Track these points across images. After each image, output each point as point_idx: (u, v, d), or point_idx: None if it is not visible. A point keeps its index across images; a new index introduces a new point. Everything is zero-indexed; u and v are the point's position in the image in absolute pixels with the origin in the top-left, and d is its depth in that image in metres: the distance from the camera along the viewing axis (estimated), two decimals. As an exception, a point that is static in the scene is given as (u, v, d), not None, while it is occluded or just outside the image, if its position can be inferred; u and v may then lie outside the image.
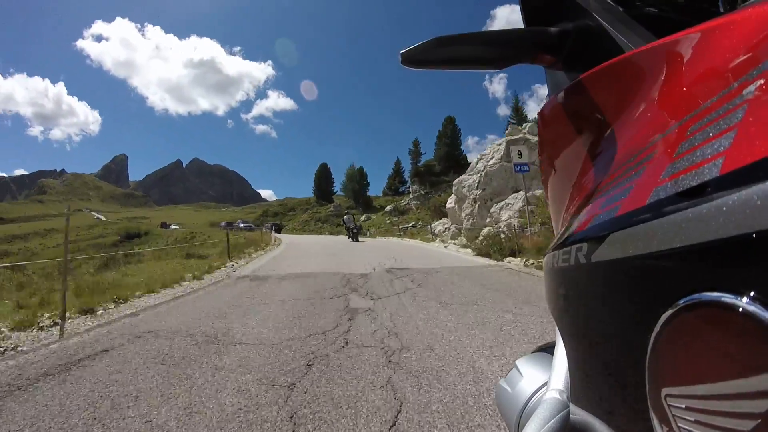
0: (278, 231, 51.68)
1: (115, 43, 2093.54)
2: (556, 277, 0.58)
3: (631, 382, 0.41)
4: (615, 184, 0.47)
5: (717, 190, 0.30)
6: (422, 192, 60.52)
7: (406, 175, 78.69)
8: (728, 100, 0.34)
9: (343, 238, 29.32)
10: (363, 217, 57.37)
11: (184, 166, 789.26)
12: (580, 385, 0.55)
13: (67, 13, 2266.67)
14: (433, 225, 26.49)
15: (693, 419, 0.31)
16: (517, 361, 0.79)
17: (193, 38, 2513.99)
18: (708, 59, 0.40)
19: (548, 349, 0.77)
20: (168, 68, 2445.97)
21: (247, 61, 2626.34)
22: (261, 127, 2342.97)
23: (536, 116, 0.78)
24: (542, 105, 0.76)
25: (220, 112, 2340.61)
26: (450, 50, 0.65)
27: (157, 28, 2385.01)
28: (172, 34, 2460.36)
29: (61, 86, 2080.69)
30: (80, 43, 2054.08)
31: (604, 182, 0.51)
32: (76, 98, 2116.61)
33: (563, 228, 0.60)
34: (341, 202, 76.98)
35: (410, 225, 37.07)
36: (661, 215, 0.35)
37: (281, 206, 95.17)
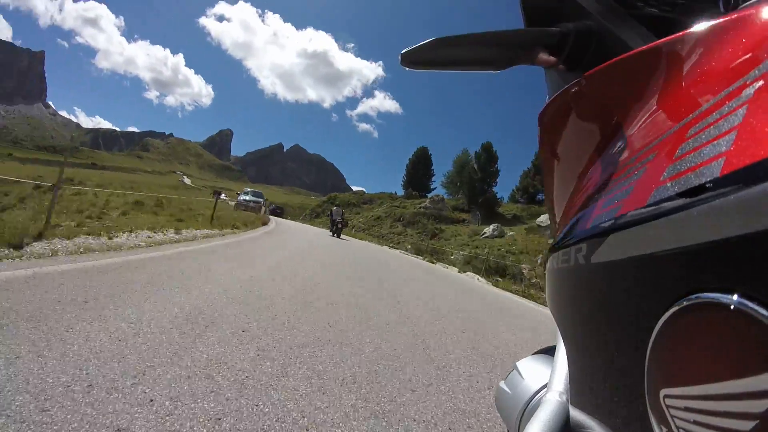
0: (278, 215, 41.63)
1: (236, 25, 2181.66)
2: (557, 278, 0.59)
3: (631, 383, 0.41)
4: (615, 185, 0.47)
5: (717, 190, 0.30)
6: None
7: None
8: (729, 100, 0.34)
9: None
10: (490, 230, 28.14)
11: (284, 150, 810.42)
12: (581, 387, 0.55)
13: None
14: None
15: (692, 420, 0.31)
16: (517, 363, 0.80)
17: (310, 30, 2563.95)
18: (708, 59, 0.41)
19: (549, 350, 0.79)
20: (282, 55, 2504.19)
21: (359, 58, 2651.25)
22: (363, 126, 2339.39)
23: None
24: (542, 106, 0.76)
25: (326, 104, 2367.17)
26: (450, 51, 0.65)
27: (277, 15, 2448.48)
28: (290, 24, 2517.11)
29: (180, 57, 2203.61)
30: (202, 21, 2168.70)
31: (604, 183, 0.51)
32: (192, 71, 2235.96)
33: (563, 229, 0.61)
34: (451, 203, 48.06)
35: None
36: (661, 216, 0.35)
37: (355, 196, 65.94)
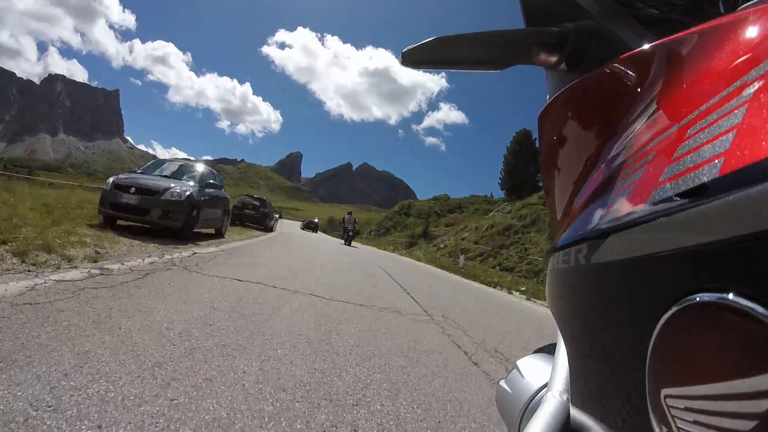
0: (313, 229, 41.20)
1: (297, 51, 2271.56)
2: (557, 279, 0.59)
3: (631, 383, 0.41)
4: (615, 185, 0.48)
5: (716, 191, 0.30)
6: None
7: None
8: (728, 101, 0.34)
9: None
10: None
11: (353, 169, 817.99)
12: (581, 386, 0.56)
13: (254, 23, 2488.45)
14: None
15: (692, 420, 0.32)
16: (517, 362, 0.80)
17: (369, 48, 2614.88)
18: (708, 60, 0.41)
19: (549, 349, 0.79)
20: (345, 76, 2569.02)
21: (421, 72, 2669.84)
22: (430, 139, 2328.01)
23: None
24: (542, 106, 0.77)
25: (392, 121, 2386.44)
26: (450, 50, 0.66)
27: (336, 37, 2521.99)
28: (349, 44, 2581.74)
29: (247, 87, 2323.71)
30: (265, 49, 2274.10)
31: (604, 183, 0.52)
32: (260, 98, 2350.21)
33: (564, 229, 0.61)
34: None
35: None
36: (661, 216, 0.35)
37: (436, 202, 48.45)
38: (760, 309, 0.26)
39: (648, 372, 0.37)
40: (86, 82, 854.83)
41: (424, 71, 0.68)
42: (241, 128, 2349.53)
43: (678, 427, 0.33)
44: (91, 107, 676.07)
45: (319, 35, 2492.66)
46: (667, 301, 0.34)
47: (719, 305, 0.29)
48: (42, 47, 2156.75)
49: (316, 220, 50.71)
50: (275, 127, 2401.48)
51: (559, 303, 0.61)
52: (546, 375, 0.70)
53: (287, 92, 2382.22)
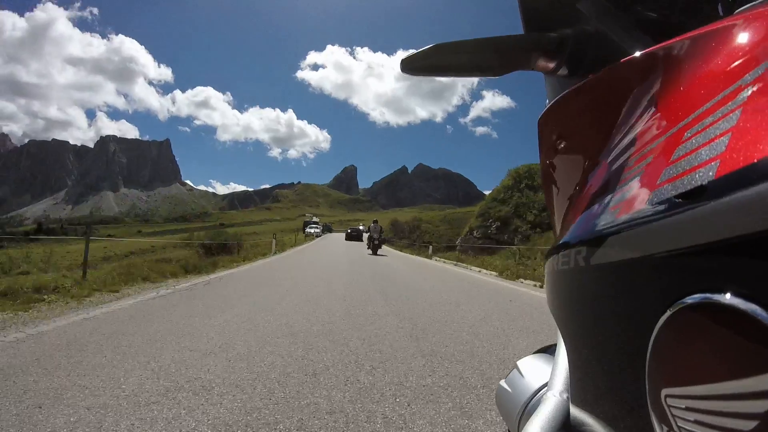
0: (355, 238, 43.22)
1: (331, 69, 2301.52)
2: (557, 280, 0.60)
3: (631, 383, 0.42)
4: (613, 188, 0.49)
5: (713, 193, 0.31)
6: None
7: None
8: (724, 103, 0.35)
9: None
10: None
11: (409, 171, 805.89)
12: (581, 386, 0.57)
13: (284, 51, 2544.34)
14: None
15: (693, 419, 0.32)
16: (518, 362, 0.81)
17: (400, 52, 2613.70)
18: (705, 63, 0.42)
19: (549, 349, 0.80)
20: (382, 84, 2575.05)
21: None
22: (480, 129, 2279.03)
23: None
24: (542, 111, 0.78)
25: (439, 118, 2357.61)
26: (449, 57, 0.66)
27: (365, 48, 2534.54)
28: (380, 52, 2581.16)
29: (290, 113, 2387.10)
30: (300, 74, 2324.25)
31: (603, 186, 0.52)
32: (305, 121, 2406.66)
33: (563, 231, 0.62)
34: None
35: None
36: (659, 218, 0.36)
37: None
38: (757, 309, 0.27)
39: (648, 372, 0.37)
40: (137, 137, 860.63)
41: (424, 78, 0.67)
42: (293, 153, 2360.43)
43: (679, 427, 0.34)
44: (146, 159, 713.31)
45: (349, 49, 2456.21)
46: (666, 301, 0.34)
47: (718, 306, 0.29)
48: (90, 114, 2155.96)
49: (360, 227, 48.05)
50: (325, 146, 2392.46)
51: (559, 304, 0.61)
52: (546, 375, 0.71)
53: (330, 111, 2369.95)
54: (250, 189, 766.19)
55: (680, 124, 0.40)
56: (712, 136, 0.34)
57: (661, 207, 0.36)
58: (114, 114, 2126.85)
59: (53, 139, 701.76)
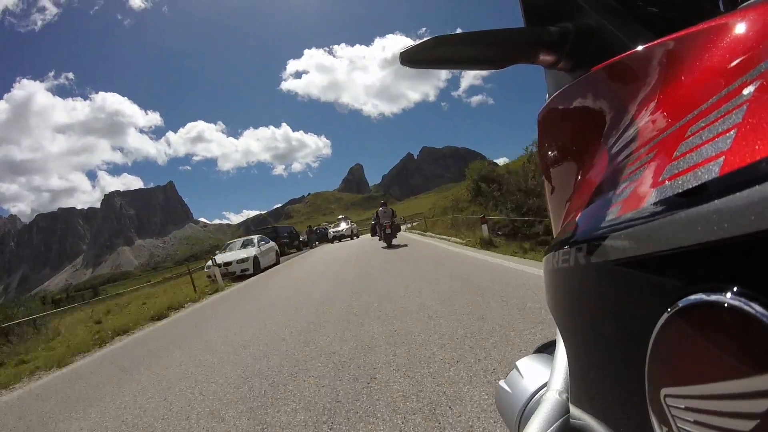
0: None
1: (314, 73, 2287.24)
2: (557, 278, 0.60)
3: (630, 382, 0.42)
4: (615, 185, 0.49)
5: (716, 190, 0.30)
6: None
7: None
8: (728, 100, 0.35)
9: None
10: None
11: (415, 157, 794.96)
12: (580, 386, 0.57)
13: (263, 66, 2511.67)
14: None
15: (692, 419, 0.32)
16: (517, 362, 0.82)
17: (377, 40, 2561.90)
18: (708, 59, 0.42)
19: (548, 349, 0.81)
20: (368, 75, 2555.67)
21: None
22: (476, 98, 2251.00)
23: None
24: (542, 105, 0.79)
25: (432, 97, 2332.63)
26: (449, 50, 0.67)
27: (342, 44, 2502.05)
28: (357, 45, 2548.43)
29: (285, 127, 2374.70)
30: (284, 86, 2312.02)
31: (604, 183, 0.53)
32: (301, 132, 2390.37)
33: (563, 229, 0.63)
34: None
35: None
36: (661, 216, 0.36)
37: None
38: (759, 309, 0.27)
39: (648, 371, 0.37)
40: (142, 186, 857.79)
41: (424, 70, 0.68)
42: (297, 166, 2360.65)
43: (678, 427, 0.34)
44: (154, 206, 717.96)
45: (327, 49, 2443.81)
46: (666, 300, 0.34)
47: (719, 305, 0.29)
48: (91, 175, 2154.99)
49: (330, 229, 38.85)
50: (327, 152, 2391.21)
51: (559, 302, 0.61)
52: (545, 375, 0.72)
53: (323, 115, 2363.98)
54: (263, 212, 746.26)
55: (683, 120, 0.40)
56: (717, 132, 0.34)
57: (664, 205, 0.36)
58: (114, 170, 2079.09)
59: (59, 209, 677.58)
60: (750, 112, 0.31)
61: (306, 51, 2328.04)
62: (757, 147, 0.29)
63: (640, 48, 0.52)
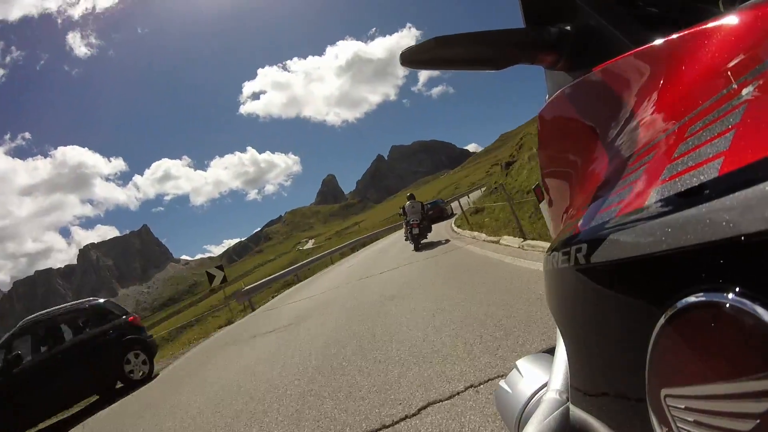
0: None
1: (271, 92, 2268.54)
2: (557, 278, 0.60)
3: (630, 382, 0.42)
4: (615, 185, 0.49)
5: (716, 190, 0.31)
6: None
7: None
8: (727, 100, 0.35)
9: None
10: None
11: (386, 158, 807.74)
12: (581, 386, 0.57)
13: (218, 94, 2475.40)
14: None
15: (692, 419, 0.33)
16: (517, 362, 0.83)
17: (329, 48, 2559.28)
18: (707, 59, 0.42)
19: (549, 349, 0.82)
20: (325, 85, 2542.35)
21: (386, 36, 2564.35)
22: (436, 90, 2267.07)
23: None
24: (542, 106, 0.81)
25: (392, 96, 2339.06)
26: (449, 50, 0.67)
27: (295, 58, 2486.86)
28: (310, 56, 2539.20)
29: (251, 151, 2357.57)
30: (243, 109, 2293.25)
31: (604, 183, 0.53)
32: (268, 152, 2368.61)
33: (563, 229, 0.64)
34: None
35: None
36: (661, 216, 0.36)
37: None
38: (759, 309, 0.27)
39: (648, 371, 0.38)
40: (118, 234, 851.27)
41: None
42: (269, 188, 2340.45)
43: (678, 427, 0.34)
44: (132, 253, 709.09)
45: (281, 65, 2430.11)
46: (666, 300, 0.34)
47: (719, 305, 0.29)
48: (65, 232, 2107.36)
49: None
50: (297, 168, 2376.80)
51: (559, 302, 0.61)
52: (545, 375, 0.72)
53: (287, 133, 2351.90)
54: (243, 238, 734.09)
55: (683, 120, 0.40)
56: (716, 132, 0.34)
57: (663, 205, 0.36)
58: (87, 223, 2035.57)
59: (36, 272, 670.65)
60: (749, 112, 0.32)
61: (259, 70, 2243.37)
62: (756, 147, 0.29)
63: (640, 48, 0.53)
